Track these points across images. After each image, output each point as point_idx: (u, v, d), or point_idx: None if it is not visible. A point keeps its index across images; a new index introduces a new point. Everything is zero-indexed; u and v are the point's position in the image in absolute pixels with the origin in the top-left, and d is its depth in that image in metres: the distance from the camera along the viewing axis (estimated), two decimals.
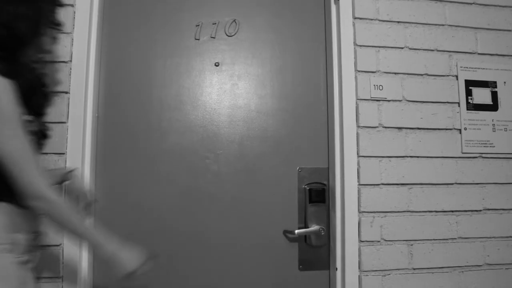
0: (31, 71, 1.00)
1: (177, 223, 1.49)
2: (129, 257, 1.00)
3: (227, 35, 1.58)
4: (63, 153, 1.37)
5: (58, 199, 0.92)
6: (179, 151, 1.50)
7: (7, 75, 0.89)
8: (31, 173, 0.89)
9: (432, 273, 1.52)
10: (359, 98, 1.53)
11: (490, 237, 1.57)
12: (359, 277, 1.47)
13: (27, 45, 0.98)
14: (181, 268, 1.47)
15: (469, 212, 1.57)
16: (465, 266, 1.55)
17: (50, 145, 1.35)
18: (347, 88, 1.52)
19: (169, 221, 1.48)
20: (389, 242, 1.49)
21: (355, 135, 1.51)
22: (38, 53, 1.03)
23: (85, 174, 1.42)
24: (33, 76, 0.99)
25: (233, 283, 1.49)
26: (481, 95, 1.62)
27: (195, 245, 1.49)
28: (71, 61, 1.40)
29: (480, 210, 1.58)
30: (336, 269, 1.48)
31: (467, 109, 1.61)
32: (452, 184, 1.57)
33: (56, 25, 1.07)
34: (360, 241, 1.47)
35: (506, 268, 1.58)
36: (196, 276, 1.48)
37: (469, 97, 1.61)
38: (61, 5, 1.12)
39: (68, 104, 1.39)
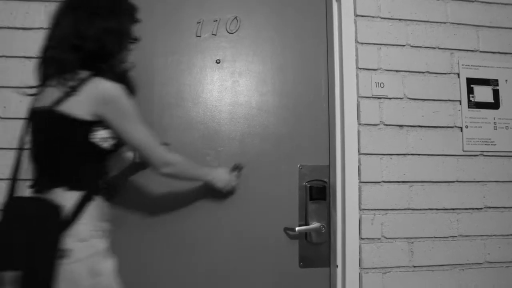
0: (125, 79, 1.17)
1: (177, 219, 1.49)
2: (223, 175, 1.40)
3: (228, 32, 1.58)
4: None
5: (180, 160, 1.23)
6: (180, 147, 1.50)
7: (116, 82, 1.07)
8: (157, 150, 1.16)
9: (433, 270, 1.52)
10: (360, 95, 1.53)
11: (491, 235, 1.58)
12: (360, 274, 1.47)
13: (115, 57, 1.11)
14: (179, 262, 1.48)
15: (470, 210, 1.57)
16: (466, 264, 1.55)
17: None
18: (348, 86, 1.52)
19: (170, 216, 1.49)
20: (389, 240, 1.50)
21: (356, 132, 1.51)
22: (121, 64, 1.17)
23: None
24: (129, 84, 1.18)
25: (233, 280, 1.49)
26: (483, 93, 1.62)
27: (195, 240, 1.49)
28: None
29: (481, 208, 1.58)
30: (337, 266, 1.49)
31: (469, 107, 1.61)
32: (453, 182, 1.57)
33: (134, 39, 1.19)
34: (361, 238, 1.48)
35: (507, 266, 1.58)
36: (194, 271, 1.48)
37: (471, 95, 1.61)
38: (138, 21, 1.20)
39: None
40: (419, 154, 1.55)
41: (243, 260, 1.50)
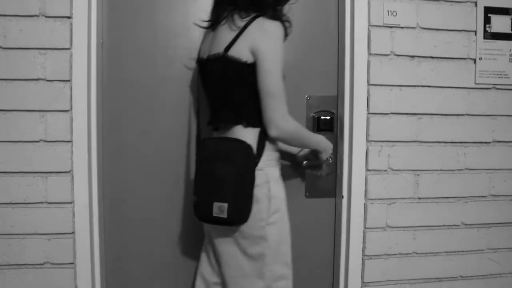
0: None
1: (182, 148, 1.52)
2: (328, 144, 1.34)
3: None
4: (68, 80, 1.38)
5: (295, 129, 1.18)
6: (186, 77, 1.50)
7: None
8: (283, 104, 1.13)
9: (437, 202, 1.56)
10: (371, 24, 1.49)
11: (497, 169, 1.60)
12: (365, 205, 1.52)
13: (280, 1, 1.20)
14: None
15: (478, 144, 1.58)
16: (470, 196, 1.59)
17: (55, 72, 1.36)
18: (359, 14, 1.48)
19: (173, 150, 1.52)
20: (396, 172, 1.52)
21: (366, 62, 1.49)
22: (282, 8, 1.23)
23: (91, 101, 1.43)
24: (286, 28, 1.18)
25: None
26: (500, 23, 1.58)
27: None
28: None
29: (489, 142, 1.59)
30: (343, 197, 1.53)
31: (484, 38, 1.57)
32: (462, 115, 1.57)
33: None
34: (367, 170, 1.50)
35: (510, 200, 1.62)
36: None
37: (487, 25, 1.57)
38: None
39: (71, 29, 1.38)
40: (429, 86, 1.54)
41: None
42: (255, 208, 1.12)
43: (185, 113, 1.52)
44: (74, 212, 1.40)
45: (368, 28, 1.49)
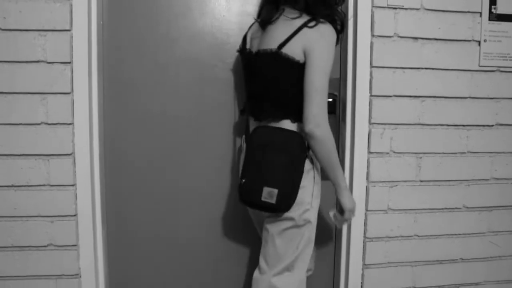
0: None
1: (184, 131, 1.53)
2: (351, 198, 1.26)
3: None
4: (69, 62, 1.38)
5: (330, 136, 1.16)
6: (187, 59, 1.50)
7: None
8: (322, 106, 1.14)
9: (439, 185, 1.57)
10: (374, 5, 1.48)
11: (499, 152, 1.61)
12: (367, 187, 1.53)
13: (336, 5, 1.22)
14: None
15: (481, 127, 1.58)
16: (472, 180, 1.60)
17: (55, 54, 1.36)
18: None
19: (175, 131, 1.53)
20: (398, 154, 1.53)
21: (369, 44, 1.48)
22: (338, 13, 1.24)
23: (92, 83, 1.43)
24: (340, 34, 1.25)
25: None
26: (506, 4, 1.56)
27: (198, 149, 1.54)
28: None
29: (492, 125, 1.59)
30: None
31: (489, 20, 1.56)
32: (466, 98, 1.57)
33: None
34: (369, 152, 1.51)
35: None
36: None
37: (493, 6, 1.55)
38: None
39: (71, 10, 1.37)
40: (433, 68, 1.53)
41: None
42: (301, 193, 1.18)
43: (188, 94, 1.53)
44: (76, 195, 1.41)
45: (372, 9, 1.48)
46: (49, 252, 1.43)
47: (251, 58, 1.26)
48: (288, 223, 1.20)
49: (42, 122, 1.38)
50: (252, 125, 1.27)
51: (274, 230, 1.23)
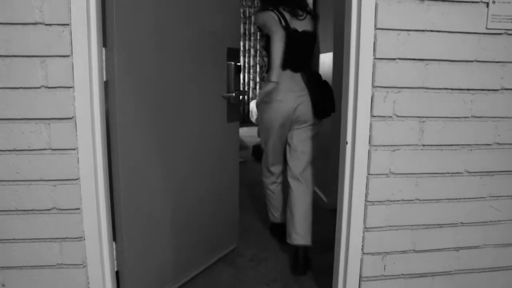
0: None
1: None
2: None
3: None
4: (67, 24, 1.37)
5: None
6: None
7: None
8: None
9: (441, 150, 1.59)
10: None
11: (503, 117, 1.62)
12: (369, 151, 1.55)
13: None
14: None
15: (486, 91, 1.59)
16: (475, 144, 1.61)
17: (53, 15, 1.35)
18: None
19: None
20: (401, 118, 1.54)
21: (374, 5, 1.47)
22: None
23: (92, 45, 1.42)
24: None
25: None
26: None
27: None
28: None
29: (497, 90, 1.60)
30: (347, 143, 1.56)
31: None
32: (471, 61, 1.56)
33: None
34: (372, 116, 1.52)
35: None
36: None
37: None
38: None
39: None
40: (438, 31, 1.52)
41: None
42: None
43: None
44: (78, 159, 1.43)
45: None
46: (53, 215, 1.46)
47: (294, 34, 2.10)
48: (316, 128, 2.23)
49: (42, 86, 1.38)
50: (288, 74, 2.14)
51: (307, 134, 2.20)
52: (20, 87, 1.38)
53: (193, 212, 1.95)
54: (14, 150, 1.41)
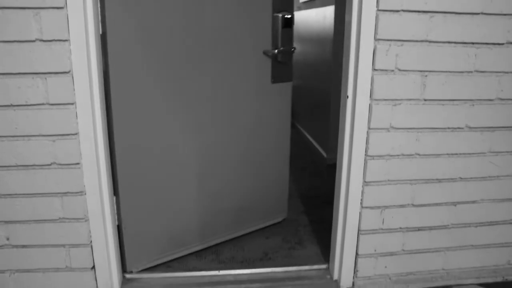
0: None
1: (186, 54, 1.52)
2: None
3: None
4: (62, 7, 1.35)
5: None
6: None
7: None
8: None
9: (443, 105, 1.60)
10: None
11: (507, 72, 1.61)
12: (370, 105, 1.55)
13: None
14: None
15: (490, 45, 1.57)
16: (477, 99, 1.62)
17: None
18: None
19: (179, 46, 1.51)
20: (403, 72, 1.54)
21: None
22: None
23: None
24: None
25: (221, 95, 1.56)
26: None
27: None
28: None
29: (503, 44, 1.58)
30: (348, 97, 1.56)
31: None
32: (477, 14, 1.54)
33: None
34: (374, 69, 1.51)
35: None
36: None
37: None
38: None
39: None
40: None
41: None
42: None
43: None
44: (76, 113, 1.44)
45: None
46: (53, 170, 1.49)
47: None
48: None
49: (36, 39, 1.37)
50: None
51: None
52: (15, 41, 1.36)
53: (221, 178, 1.91)
54: (12, 105, 1.42)
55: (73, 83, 1.41)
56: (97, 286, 1.65)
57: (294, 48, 1.84)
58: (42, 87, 1.41)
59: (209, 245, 2.01)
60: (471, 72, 1.59)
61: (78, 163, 1.48)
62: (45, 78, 1.40)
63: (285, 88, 1.98)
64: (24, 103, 1.42)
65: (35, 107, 1.42)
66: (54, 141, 1.46)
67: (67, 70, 1.40)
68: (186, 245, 1.92)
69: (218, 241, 2.04)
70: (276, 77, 1.87)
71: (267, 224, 2.19)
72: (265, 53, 1.81)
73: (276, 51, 1.81)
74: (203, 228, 1.93)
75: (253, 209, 2.08)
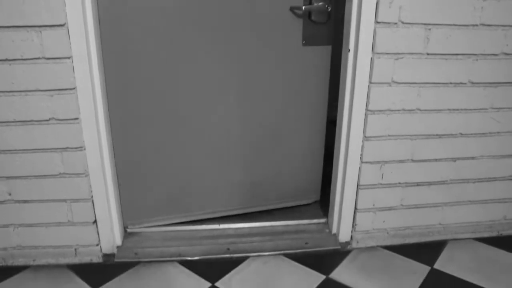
0: None
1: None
2: None
3: None
4: None
5: None
6: None
7: None
8: None
9: (446, 59, 1.58)
10: None
11: None
12: (371, 59, 1.54)
13: None
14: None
15: None
16: (481, 54, 1.60)
17: None
18: None
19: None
20: (406, 25, 1.51)
21: None
22: None
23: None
24: None
25: (239, 58, 1.60)
26: None
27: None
28: None
29: None
30: (349, 50, 1.55)
31: None
32: None
33: None
34: (376, 22, 1.49)
35: None
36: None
37: None
38: None
39: None
40: None
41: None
42: None
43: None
44: (73, 67, 1.43)
45: None
46: (52, 126, 1.49)
47: None
48: None
49: None
50: None
51: None
52: None
53: (236, 146, 1.83)
54: (7, 59, 1.40)
55: (69, 37, 1.40)
56: (99, 240, 1.69)
57: (329, 6, 1.59)
58: (37, 40, 1.39)
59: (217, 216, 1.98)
60: (477, 25, 1.56)
61: (77, 118, 1.49)
62: (40, 32, 1.38)
63: (322, 52, 1.77)
64: (20, 57, 1.40)
65: (30, 61, 1.41)
66: (51, 96, 1.46)
67: (62, 22, 1.38)
68: (188, 211, 1.93)
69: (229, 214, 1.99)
70: (309, 39, 1.67)
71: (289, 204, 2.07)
72: (292, 9, 1.61)
73: (303, 7, 1.59)
74: (212, 200, 1.91)
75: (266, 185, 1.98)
